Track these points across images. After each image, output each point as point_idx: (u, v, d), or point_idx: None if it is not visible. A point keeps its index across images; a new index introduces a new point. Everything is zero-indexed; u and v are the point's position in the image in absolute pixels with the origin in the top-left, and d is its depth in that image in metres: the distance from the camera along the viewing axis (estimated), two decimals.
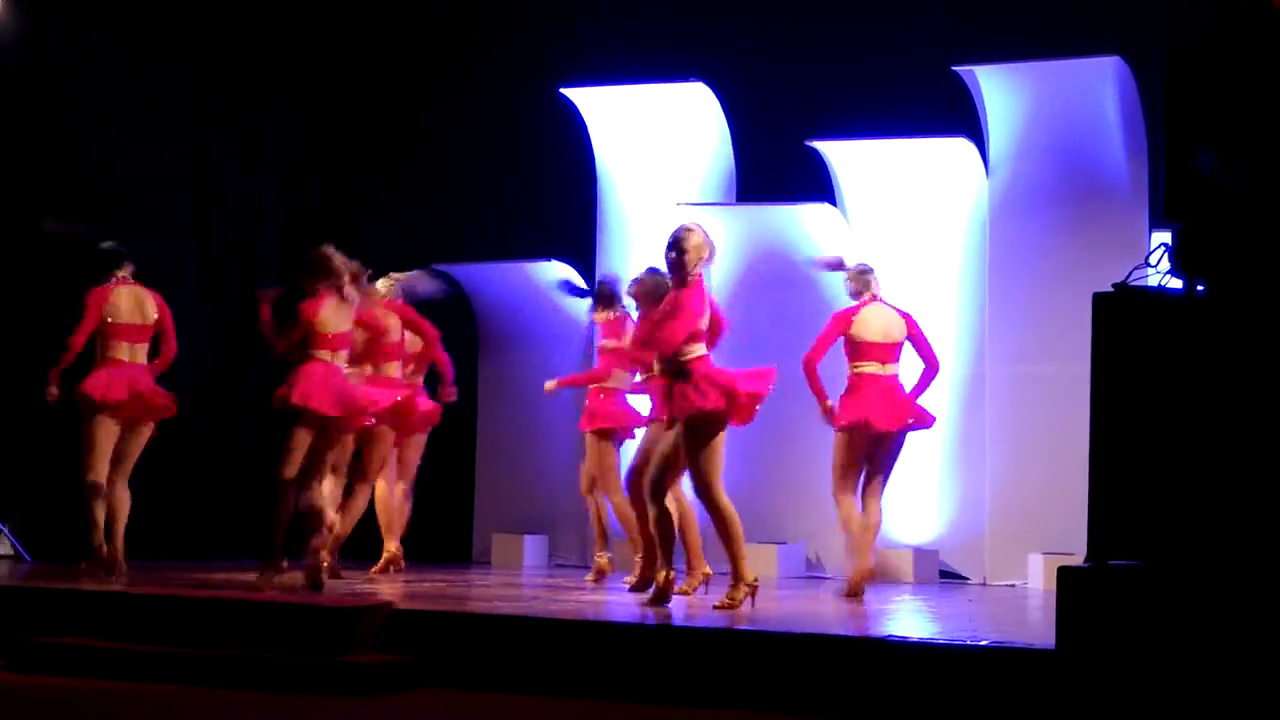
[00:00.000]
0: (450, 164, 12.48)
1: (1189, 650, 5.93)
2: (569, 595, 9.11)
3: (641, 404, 9.71)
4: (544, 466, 11.84)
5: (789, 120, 11.36)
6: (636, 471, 8.86)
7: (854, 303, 9.26)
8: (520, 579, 10.37)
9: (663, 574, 8.12)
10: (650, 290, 8.73)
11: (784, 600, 9.27)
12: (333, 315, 8.90)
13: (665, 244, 8.04)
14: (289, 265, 11.58)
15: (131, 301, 9.41)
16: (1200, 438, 6.09)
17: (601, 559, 10.08)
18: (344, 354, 9.04)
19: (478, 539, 11.90)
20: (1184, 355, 6.17)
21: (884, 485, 9.11)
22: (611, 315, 9.98)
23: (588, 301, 10.92)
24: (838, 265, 9.53)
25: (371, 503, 9.89)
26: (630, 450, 9.53)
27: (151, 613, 7.81)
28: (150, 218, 11.32)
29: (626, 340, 9.56)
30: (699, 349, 7.96)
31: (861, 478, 9.09)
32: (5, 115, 11.17)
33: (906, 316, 9.26)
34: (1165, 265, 6.34)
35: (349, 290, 8.97)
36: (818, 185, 11.28)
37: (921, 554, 10.61)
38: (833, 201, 11.21)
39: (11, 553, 10.64)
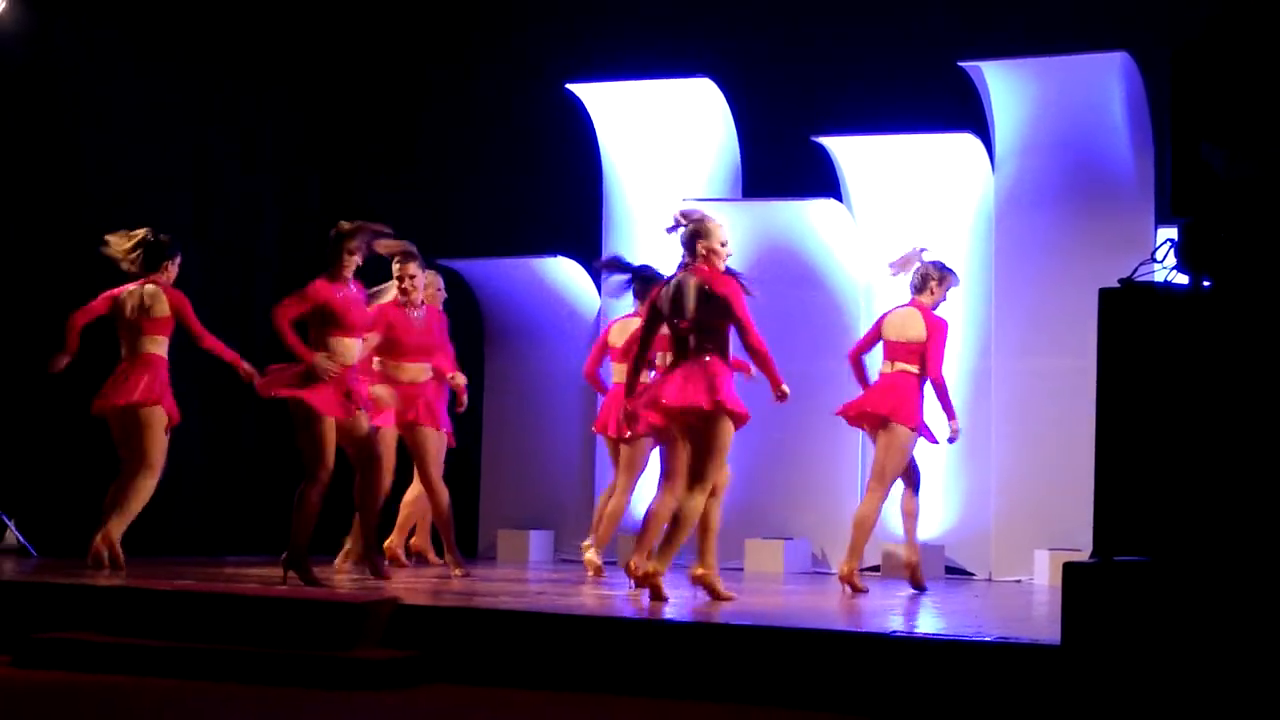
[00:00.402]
0: (455, 159, 12.46)
1: (1195, 646, 5.93)
2: (575, 590, 9.11)
3: None
4: (550, 461, 11.84)
5: (795, 115, 11.35)
6: None
7: (925, 300, 9.32)
8: (526, 574, 10.38)
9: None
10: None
11: (788, 595, 9.28)
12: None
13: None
14: (289, 265, 11.61)
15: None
16: (1207, 433, 6.08)
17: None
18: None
19: (483, 534, 11.90)
20: (1190, 351, 6.16)
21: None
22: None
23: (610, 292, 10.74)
24: (914, 259, 9.50)
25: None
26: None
27: (156, 608, 7.81)
28: (150, 218, 11.30)
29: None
30: None
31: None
32: (6, 114, 11.17)
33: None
34: (1171, 260, 6.34)
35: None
36: (823, 181, 11.27)
37: (927, 549, 10.59)
38: (839, 197, 11.20)
39: (17, 547, 10.64)
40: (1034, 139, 10.64)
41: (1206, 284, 6.25)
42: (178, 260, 9.70)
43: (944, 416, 9.32)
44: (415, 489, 10.12)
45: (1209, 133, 6.21)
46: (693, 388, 8.00)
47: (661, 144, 11.68)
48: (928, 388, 9.25)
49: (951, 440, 9.41)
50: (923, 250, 9.48)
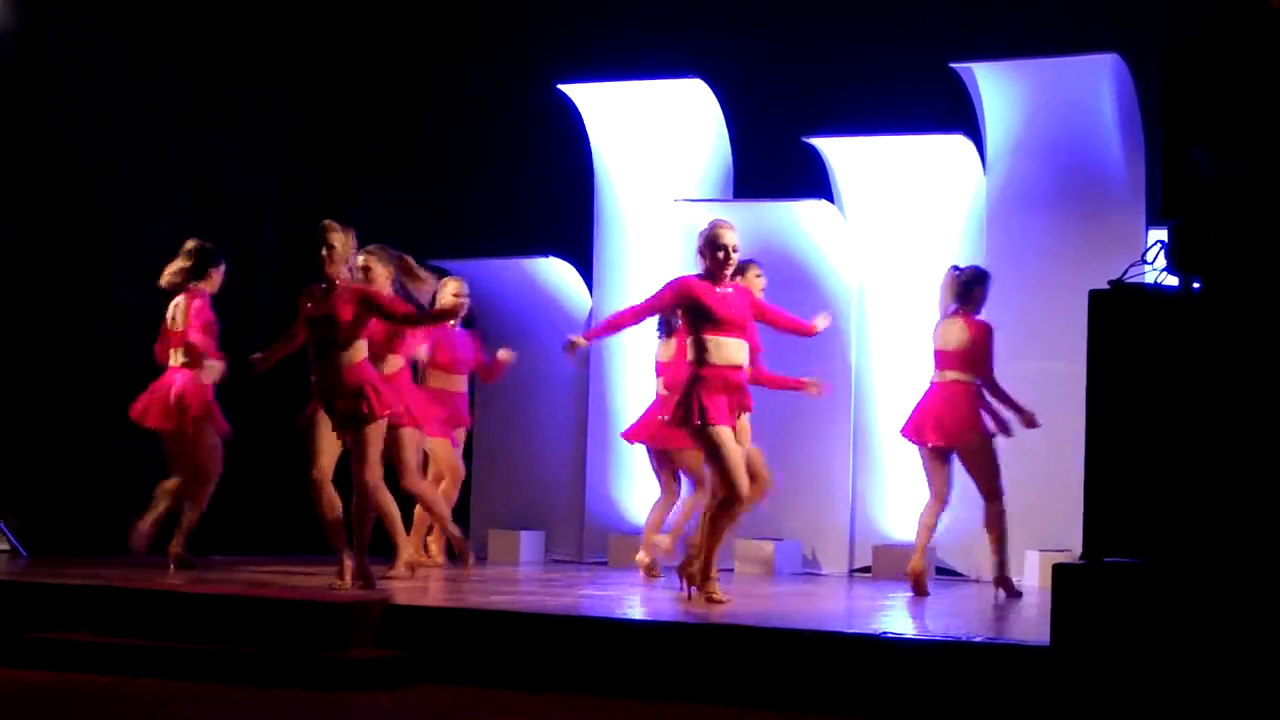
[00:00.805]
0: (449, 161, 12.47)
1: (1183, 647, 5.94)
2: (565, 591, 9.11)
3: None
4: (540, 462, 11.84)
5: (786, 116, 11.36)
6: None
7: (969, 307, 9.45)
8: (517, 574, 10.38)
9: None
10: None
11: (779, 597, 9.29)
12: None
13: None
14: (289, 265, 11.60)
15: None
16: (1196, 435, 6.09)
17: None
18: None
19: (474, 534, 11.89)
20: (1180, 352, 6.18)
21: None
22: None
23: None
24: (951, 279, 9.63)
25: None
26: None
27: (147, 607, 7.81)
28: (150, 218, 11.32)
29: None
30: None
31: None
32: (5, 114, 11.16)
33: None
34: (1161, 262, 6.35)
35: None
36: (815, 182, 11.27)
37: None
38: (830, 198, 11.20)
39: (8, 548, 10.62)
40: (1025, 140, 10.65)
41: (1196, 286, 6.26)
42: (222, 268, 9.93)
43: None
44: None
45: (1199, 135, 6.22)
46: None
47: (653, 145, 11.69)
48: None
49: (1032, 427, 9.42)
50: (953, 268, 9.64)
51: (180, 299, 9.81)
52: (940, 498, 9.42)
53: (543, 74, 11.88)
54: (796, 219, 11.09)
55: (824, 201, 11.14)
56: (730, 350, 8.19)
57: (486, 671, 7.29)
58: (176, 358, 9.76)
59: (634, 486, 11.46)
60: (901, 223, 11.01)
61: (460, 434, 10.65)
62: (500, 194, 12.30)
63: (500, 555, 11.55)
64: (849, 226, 11.13)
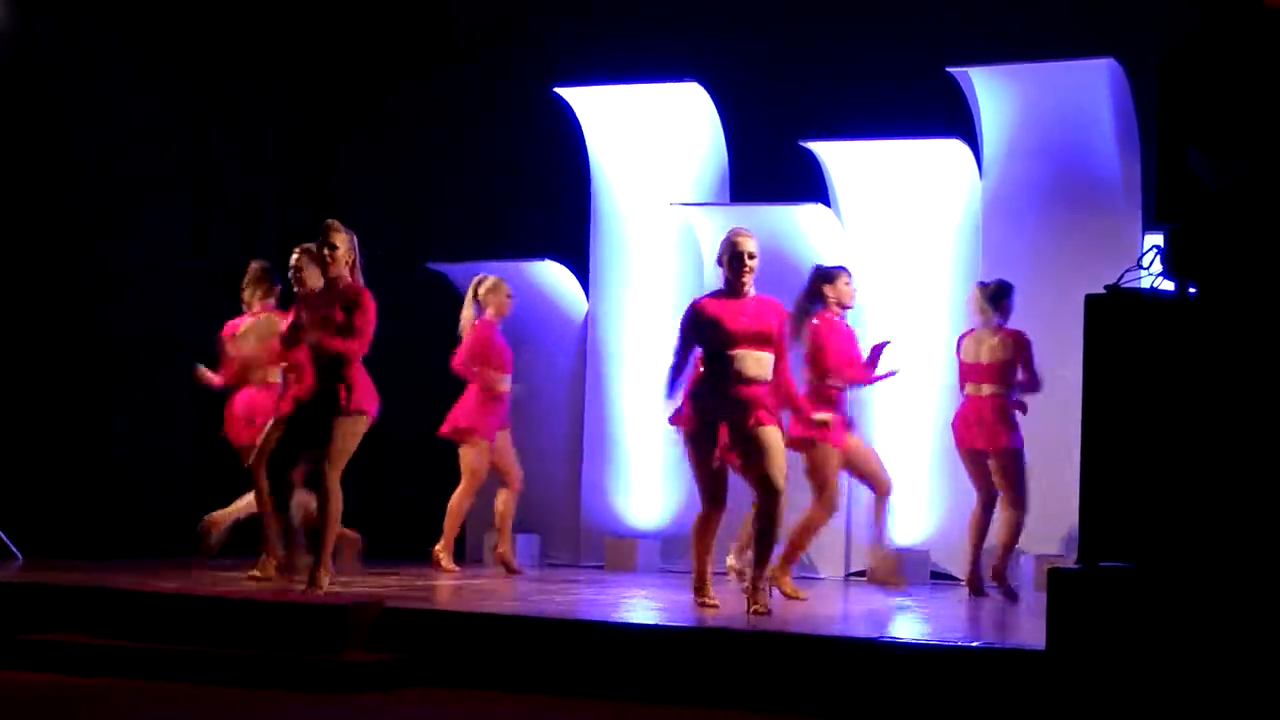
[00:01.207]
0: (446, 163, 12.47)
1: (1178, 653, 5.94)
2: (560, 594, 9.11)
3: None
4: (537, 466, 11.81)
5: (783, 121, 11.36)
6: None
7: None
8: (512, 578, 10.36)
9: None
10: None
11: (776, 601, 9.27)
12: None
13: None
14: (289, 265, 11.58)
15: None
16: (1192, 440, 6.09)
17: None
18: None
19: (470, 538, 11.88)
20: (1176, 357, 6.17)
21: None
22: None
23: None
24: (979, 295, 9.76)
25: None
26: None
27: (142, 610, 7.81)
28: (150, 218, 11.31)
29: None
30: None
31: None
32: (5, 114, 11.16)
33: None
34: (1158, 267, 6.35)
35: None
36: (811, 186, 11.27)
37: (911, 555, 10.61)
38: (826, 202, 11.21)
39: (1, 550, 10.61)
40: (1021, 145, 10.66)
41: (1193, 290, 6.26)
42: (277, 289, 9.98)
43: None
44: (505, 494, 10.61)
45: (1195, 139, 6.21)
46: None
47: (650, 148, 11.69)
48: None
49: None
50: (979, 283, 9.78)
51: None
52: (987, 502, 9.60)
53: (540, 77, 11.88)
54: (793, 223, 11.09)
55: (820, 205, 11.14)
56: (743, 364, 7.97)
57: (481, 674, 7.29)
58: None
59: (630, 490, 11.45)
60: (898, 227, 11.01)
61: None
62: (497, 197, 12.30)
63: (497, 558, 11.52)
64: (845, 230, 11.13)
